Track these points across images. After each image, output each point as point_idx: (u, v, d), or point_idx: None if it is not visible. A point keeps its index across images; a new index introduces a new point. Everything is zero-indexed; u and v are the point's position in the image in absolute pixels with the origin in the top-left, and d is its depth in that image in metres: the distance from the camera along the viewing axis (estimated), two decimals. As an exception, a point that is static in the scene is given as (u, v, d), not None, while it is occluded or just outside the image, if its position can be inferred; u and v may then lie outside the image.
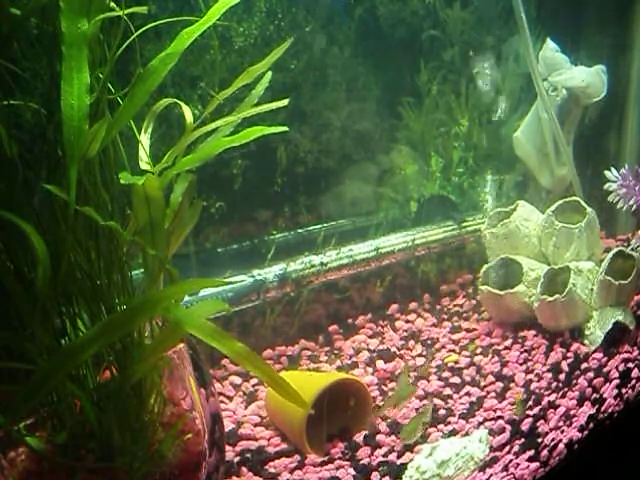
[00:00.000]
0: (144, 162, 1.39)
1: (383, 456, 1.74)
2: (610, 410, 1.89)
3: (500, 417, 1.84)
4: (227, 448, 1.66)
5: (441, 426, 1.86)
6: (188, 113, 1.43)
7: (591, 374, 1.99)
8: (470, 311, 2.56)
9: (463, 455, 1.64)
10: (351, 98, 2.57)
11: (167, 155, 1.37)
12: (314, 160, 2.47)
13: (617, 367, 2.01)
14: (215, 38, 1.98)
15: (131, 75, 1.28)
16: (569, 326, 2.24)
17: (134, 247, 1.34)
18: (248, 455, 1.77)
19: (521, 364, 2.15)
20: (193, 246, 2.18)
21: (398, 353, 2.29)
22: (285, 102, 1.44)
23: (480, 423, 1.84)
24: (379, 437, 1.81)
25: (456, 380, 2.10)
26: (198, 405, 1.44)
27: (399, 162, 2.74)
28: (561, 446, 1.73)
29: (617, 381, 1.95)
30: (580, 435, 1.78)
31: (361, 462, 1.72)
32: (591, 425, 1.82)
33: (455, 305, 2.64)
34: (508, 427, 1.78)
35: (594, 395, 1.92)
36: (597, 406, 1.88)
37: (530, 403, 1.90)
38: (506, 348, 2.26)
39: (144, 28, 1.32)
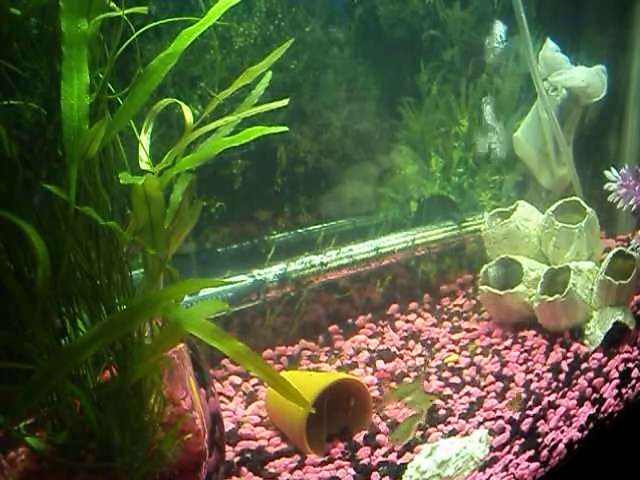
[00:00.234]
0: (144, 162, 1.40)
1: (383, 456, 1.74)
2: (610, 410, 1.89)
3: (500, 417, 1.84)
4: (227, 448, 1.66)
5: (441, 426, 1.86)
6: (188, 113, 1.43)
7: (591, 374, 1.99)
8: (470, 311, 2.56)
9: (463, 455, 1.64)
10: (351, 98, 2.57)
11: (167, 155, 1.38)
12: (314, 160, 2.47)
13: (617, 367, 2.01)
14: (215, 38, 1.98)
15: (131, 75, 1.28)
16: (569, 326, 2.24)
17: (134, 247, 1.34)
18: (248, 455, 1.77)
19: (521, 364, 2.15)
20: (193, 246, 2.18)
21: (398, 353, 2.29)
22: (285, 102, 1.44)
23: (480, 423, 1.84)
24: (379, 437, 1.81)
25: (456, 380, 2.10)
26: (198, 405, 1.44)
27: (399, 162, 2.74)
28: (561, 446, 1.73)
29: (617, 381, 1.95)
30: (580, 435, 1.78)
31: (361, 462, 1.72)
32: (591, 425, 1.82)
33: (455, 305, 2.64)
34: (508, 427, 1.78)
35: (594, 395, 1.92)
36: (597, 406, 1.88)
37: (530, 403, 1.90)
38: (506, 348, 2.26)
39: (144, 28, 1.32)
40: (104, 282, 1.29)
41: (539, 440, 1.73)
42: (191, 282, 1.32)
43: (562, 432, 1.78)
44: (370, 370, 2.19)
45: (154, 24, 1.37)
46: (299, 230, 2.49)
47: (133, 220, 1.30)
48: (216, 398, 1.55)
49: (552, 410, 1.85)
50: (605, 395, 1.92)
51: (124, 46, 1.27)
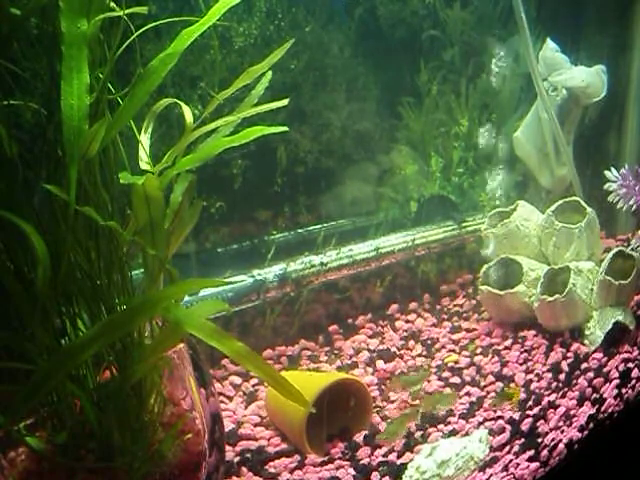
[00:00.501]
0: (144, 162, 1.40)
1: (383, 456, 1.74)
2: (610, 410, 1.89)
3: (500, 417, 1.84)
4: (227, 448, 1.66)
5: (441, 426, 1.86)
6: (188, 113, 1.43)
7: (591, 374, 1.99)
8: (470, 311, 2.56)
9: (463, 455, 1.64)
10: (351, 98, 2.57)
11: (167, 155, 1.38)
12: (314, 160, 2.47)
13: (617, 367, 2.01)
14: (215, 38, 1.98)
15: (131, 75, 1.28)
16: (569, 326, 2.24)
17: (134, 247, 1.34)
18: (248, 455, 1.77)
19: (521, 364, 2.15)
20: (193, 246, 2.18)
21: (398, 353, 2.29)
22: (285, 102, 1.44)
23: (480, 423, 1.84)
24: (379, 437, 1.81)
25: (456, 380, 2.10)
26: (198, 405, 1.44)
27: (399, 162, 2.74)
28: (561, 446, 1.73)
29: (617, 381, 1.95)
30: (580, 435, 1.78)
31: (361, 462, 1.72)
32: (591, 425, 1.82)
33: (455, 305, 2.64)
34: (508, 427, 1.78)
35: (594, 395, 1.92)
36: (597, 406, 1.88)
37: (530, 403, 1.90)
38: (506, 348, 2.26)
39: (144, 28, 1.32)
40: (104, 282, 1.29)
41: (539, 440, 1.73)
42: (191, 282, 1.32)
43: (562, 432, 1.78)
44: (370, 370, 2.19)
45: (154, 24, 1.37)
46: (299, 230, 2.49)
47: (133, 220, 1.30)
48: (216, 398, 1.55)
49: (552, 410, 1.85)
50: (605, 395, 1.92)
51: (124, 46, 1.27)
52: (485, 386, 2.06)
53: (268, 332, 2.31)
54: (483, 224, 2.55)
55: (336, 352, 2.32)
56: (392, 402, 2.01)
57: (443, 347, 2.32)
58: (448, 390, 2.05)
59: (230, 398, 2.06)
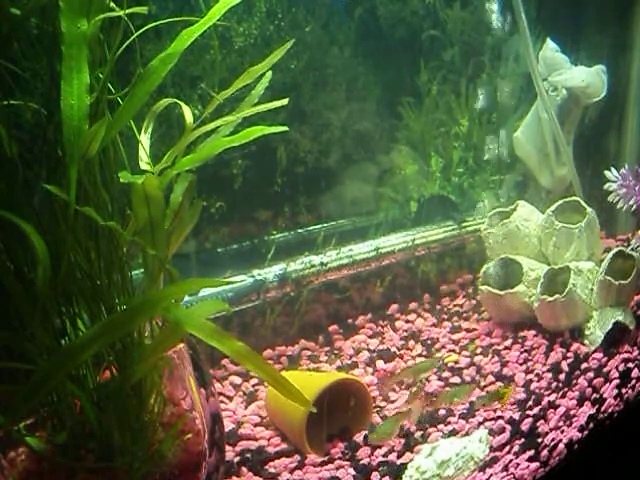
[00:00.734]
0: (144, 162, 1.40)
1: (383, 456, 1.74)
2: (610, 410, 1.89)
3: (500, 417, 1.84)
4: (227, 448, 1.66)
5: (441, 426, 1.86)
6: (188, 113, 1.43)
7: (591, 374, 1.99)
8: (470, 311, 2.56)
9: (463, 455, 1.64)
10: (351, 98, 2.57)
11: (167, 155, 1.38)
12: (314, 160, 2.47)
13: (617, 367, 2.01)
14: (215, 38, 1.98)
15: (131, 75, 1.28)
16: (569, 326, 2.24)
17: (134, 247, 1.34)
18: (248, 455, 1.76)
19: (521, 364, 2.15)
20: (193, 246, 2.18)
21: (398, 353, 2.29)
22: (285, 101, 1.44)
23: (480, 423, 1.84)
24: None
25: (456, 380, 2.10)
26: (198, 405, 1.44)
27: (399, 162, 2.74)
28: (561, 446, 1.73)
29: (617, 381, 1.95)
30: (580, 435, 1.78)
31: (361, 462, 1.72)
32: (591, 425, 1.82)
33: (455, 305, 2.64)
34: (508, 427, 1.78)
35: (594, 395, 1.92)
36: (597, 406, 1.88)
37: (530, 403, 1.90)
38: (506, 348, 2.26)
39: (144, 28, 1.32)
40: (104, 282, 1.29)
41: (539, 440, 1.73)
42: (191, 282, 1.32)
43: (562, 432, 1.78)
44: (370, 370, 2.19)
45: (154, 24, 1.37)
46: (299, 230, 2.49)
47: (133, 220, 1.30)
48: (216, 398, 1.55)
49: (552, 410, 1.85)
50: (605, 395, 1.92)
51: (124, 46, 1.27)
52: (485, 386, 2.06)
53: (268, 332, 2.31)
54: (483, 224, 2.55)
55: (336, 352, 2.32)
56: (392, 402, 2.01)
57: (443, 347, 2.32)
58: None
59: (230, 398, 2.06)
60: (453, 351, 2.29)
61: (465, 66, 2.79)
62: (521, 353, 2.21)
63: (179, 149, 1.38)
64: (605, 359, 2.06)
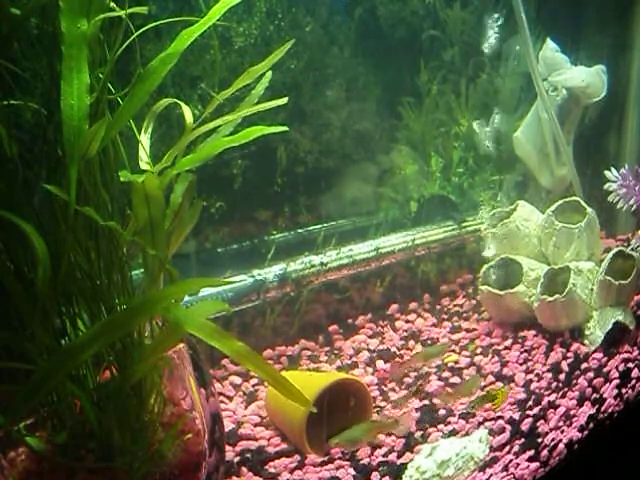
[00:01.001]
0: (144, 162, 1.40)
1: (383, 456, 1.74)
2: (610, 410, 1.89)
3: (500, 417, 1.84)
4: (227, 448, 1.66)
5: (441, 426, 1.86)
6: (188, 113, 1.43)
7: (591, 374, 1.99)
8: (470, 311, 2.56)
9: (463, 455, 1.64)
10: (351, 98, 2.57)
11: (167, 155, 1.38)
12: (314, 160, 2.47)
13: (617, 367, 2.01)
14: (215, 38, 1.98)
15: (131, 75, 1.28)
16: (569, 326, 2.24)
17: (134, 247, 1.34)
18: (248, 455, 1.77)
19: (521, 364, 2.15)
20: (193, 246, 2.18)
21: (398, 353, 2.29)
22: (284, 100, 1.44)
23: (480, 423, 1.84)
24: (379, 437, 1.81)
25: (456, 380, 2.10)
26: (198, 405, 1.44)
27: (399, 162, 2.74)
28: (561, 446, 1.73)
29: (617, 381, 1.95)
30: (580, 435, 1.78)
31: (361, 462, 1.72)
32: (591, 425, 1.82)
33: (455, 305, 2.64)
34: (508, 427, 1.78)
35: (594, 395, 1.92)
36: (597, 406, 1.88)
37: (530, 403, 1.90)
38: (506, 348, 2.26)
39: (144, 28, 1.32)
40: (104, 282, 1.29)
41: (539, 440, 1.73)
42: (191, 282, 1.32)
43: (562, 432, 1.78)
44: (370, 370, 2.19)
45: (154, 24, 1.37)
46: (299, 230, 2.49)
47: (133, 220, 1.30)
48: (216, 398, 1.55)
49: (552, 410, 1.85)
50: (605, 395, 1.92)
51: (124, 46, 1.27)
52: (485, 386, 2.06)
53: (268, 332, 2.31)
54: (483, 224, 2.55)
55: (336, 352, 2.32)
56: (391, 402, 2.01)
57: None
58: (448, 390, 2.05)
59: (230, 398, 2.06)
60: (453, 351, 2.29)
61: (465, 66, 2.78)
62: (521, 353, 2.21)
63: (179, 149, 1.38)
64: (605, 359, 2.06)
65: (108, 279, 1.30)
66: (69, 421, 1.24)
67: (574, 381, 1.98)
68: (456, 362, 2.21)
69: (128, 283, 1.33)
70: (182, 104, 1.44)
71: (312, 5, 2.43)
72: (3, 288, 1.18)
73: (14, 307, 1.19)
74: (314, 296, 2.39)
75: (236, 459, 1.75)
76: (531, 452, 1.68)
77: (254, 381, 2.12)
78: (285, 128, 1.38)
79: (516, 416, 1.82)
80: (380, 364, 2.20)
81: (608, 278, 2.20)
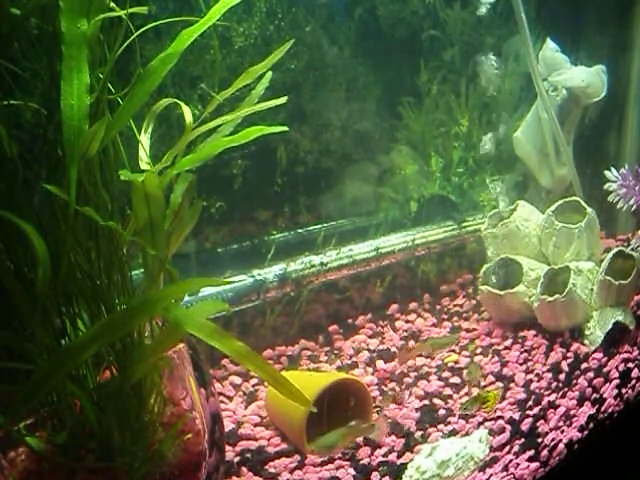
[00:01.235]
0: (144, 162, 1.40)
1: (383, 456, 1.74)
2: (610, 410, 1.89)
3: (500, 417, 1.84)
4: (227, 448, 1.66)
5: (441, 426, 1.86)
6: (188, 113, 1.43)
7: (591, 374, 1.99)
8: (470, 311, 2.56)
9: (463, 455, 1.64)
10: (351, 98, 2.57)
11: (167, 155, 1.38)
12: (314, 160, 2.47)
13: (617, 367, 2.01)
14: (215, 38, 1.98)
15: (131, 75, 1.28)
16: (569, 326, 2.24)
17: (134, 247, 1.34)
18: (248, 455, 1.76)
19: (521, 364, 2.15)
20: (193, 246, 2.18)
21: (398, 353, 2.29)
22: (283, 100, 1.44)
23: (480, 423, 1.84)
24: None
25: (456, 380, 2.10)
26: (198, 405, 1.44)
27: (399, 162, 2.74)
28: (561, 446, 1.73)
29: (617, 381, 1.95)
30: (580, 435, 1.78)
31: (361, 462, 1.72)
32: (591, 425, 1.82)
33: (455, 305, 2.64)
34: (508, 427, 1.78)
35: (594, 395, 1.92)
36: (597, 406, 1.88)
37: (530, 403, 1.90)
38: (506, 348, 2.26)
39: (144, 28, 1.32)
40: (104, 282, 1.29)
41: (539, 440, 1.73)
42: (191, 282, 1.33)
43: (562, 432, 1.78)
44: (370, 370, 2.19)
45: (154, 24, 1.37)
46: (299, 230, 2.48)
47: (133, 220, 1.30)
48: (216, 398, 1.55)
49: (552, 410, 1.85)
50: (605, 395, 1.92)
51: (124, 46, 1.27)
52: (485, 386, 2.06)
53: (268, 332, 2.31)
54: (483, 224, 2.55)
55: (336, 352, 2.32)
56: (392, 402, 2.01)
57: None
58: (448, 390, 2.05)
59: (230, 398, 2.06)
60: (453, 351, 2.29)
61: (465, 66, 2.78)
62: (521, 353, 2.21)
63: (179, 149, 1.38)
64: (605, 359, 2.06)
65: (108, 279, 1.30)
66: (69, 421, 1.24)
67: (574, 381, 1.98)
68: (456, 362, 2.21)
69: (128, 283, 1.33)
70: (182, 104, 1.44)
71: (312, 5, 2.43)
72: (3, 288, 1.18)
73: (14, 307, 1.19)
74: (314, 296, 2.39)
75: (236, 459, 1.75)
76: (531, 452, 1.68)
77: (254, 381, 2.12)
78: (285, 128, 1.38)
79: (516, 416, 1.82)
80: (380, 364, 2.20)
81: (608, 278, 2.20)
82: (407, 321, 2.52)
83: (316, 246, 2.38)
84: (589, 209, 2.38)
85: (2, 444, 1.24)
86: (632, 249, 2.30)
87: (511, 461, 1.67)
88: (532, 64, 2.59)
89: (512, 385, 2.04)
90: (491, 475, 1.63)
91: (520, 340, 2.28)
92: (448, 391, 2.05)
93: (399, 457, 1.73)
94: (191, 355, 1.46)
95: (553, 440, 1.74)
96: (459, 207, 2.77)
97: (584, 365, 2.06)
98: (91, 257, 1.27)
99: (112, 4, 1.26)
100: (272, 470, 1.71)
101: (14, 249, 1.20)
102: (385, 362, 2.22)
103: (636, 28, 2.79)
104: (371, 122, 2.65)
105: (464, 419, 1.87)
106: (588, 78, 2.67)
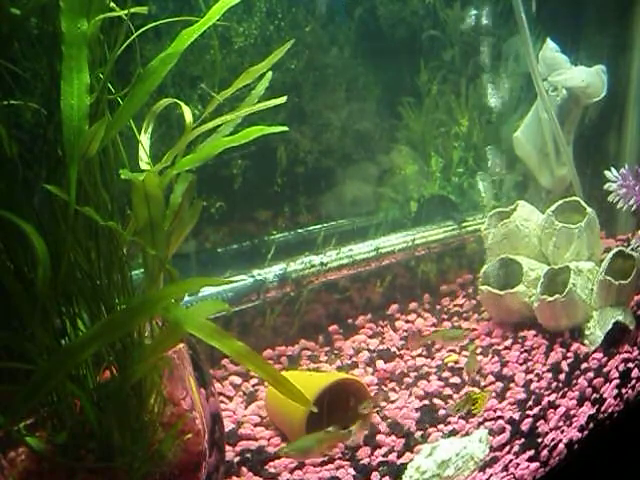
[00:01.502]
0: (144, 162, 1.40)
1: (383, 456, 1.74)
2: (610, 410, 1.89)
3: (500, 417, 1.84)
4: (227, 448, 1.66)
5: (441, 426, 1.86)
6: (188, 113, 1.43)
7: (591, 374, 1.99)
8: (470, 311, 2.56)
9: (463, 455, 1.64)
10: (351, 98, 2.57)
11: (167, 155, 1.38)
12: (314, 160, 2.47)
13: (617, 367, 2.01)
14: (215, 38, 1.98)
15: (131, 75, 1.28)
16: (569, 326, 2.24)
17: (134, 247, 1.34)
18: (248, 455, 1.76)
19: (521, 364, 2.15)
20: (193, 246, 2.18)
21: (398, 353, 2.29)
22: (283, 100, 1.44)
23: (480, 423, 1.84)
24: (379, 437, 1.81)
25: (456, 380, 2.10)
26: (198, 405, 1.44)
27: (399, 162, 2.74)
28: (561, 446, 1.73)
29: (617, 381, 1.95)
30: (580, 435, 1.78)
31: (361, 462, 1.72)
32: (591, 425, 1.82)
33: (455, 305, 2.64)
34: (508, 427, 1.78)
35: (594, 395, 1.92)
36: (597, 406, 1.88)
37: (530, 403, 1.90)
38: (506, 348, 2.26)
39: (144, 28, 1.32)
40: (104, 282, 1.29)
41: (539, 440, 1.73)
42: (191, 282, 1.33)
43: (562, 432, 1.78)
44: (370, 370, 2.19)
45: (154, 24, 1.37)
46: (299, 230, 2.48)
47: (133, 220, 1.30)
48: (216, 398, 1.55)
49: (552, 410, 1.85)
50: (605, 395, 1.92)
51: (124, 46, 1.27)
52: (485, 386, 2.06)
53: (268, 332, 2.31)
54: (483, 224, 2.55)
55: (336, 352, 2.32)
56: (392, 402, 2.01)
57: (443, 347, 2.32)
58: (448, 390, 2.05)
59: (230, 398, 2.06)
60: (453, 351, 2.29)
61: (465, 66, 2.78)
62: (521, 353, 2.21)
63: (179, 149, 1.38)
64: (605, 359, 2.06)
65: (108, 279, 1.30)
66: (69, 421, 1.24)
67: (574, 381, 1.98)
68: (456, 362, 2.21)
69: (128, 283, 1.33)
70: (182, 104, 1.44)
71: (312, 5, 2.43)
72: (3, 288, 1.18)
73: (14, 307, 1.19)
74: (314, 296, 2.39)
75: (236, 459, 1.75)
76: (531, 452, 1.68)
77: (254, 381, 2.12)
78: (285, 128, 1.38)
79: (516, 416, 1.82)
80: (380, 364, 2.20)
81: (608, 278, 2.20)
82: (407, 321, 2.52)
83: (316, 246, 2.39)
84: (589, 209, 2.38)
85: (2, 444, 1.24)
86: (632, 249, 2.30)
87: (511, 461, 1.67)
88: (532, 64, 2.59)
89: (512, 385, 2.04)
90: (491, 475, 1.63)
91: (520, 340, 2.28)
92: (448, 391, 2.05)
93: (399, 457, 1.73)
94: (191, 355, 1.46)
95: (553, 440, 1.74)
96: (459, 207, 2.77)
97: (584, 365, 2.06)
98: (91, 257, 1.27)
99: (112, 4, 1.26)
100: (272, 470, 1.71)
101: (14, 249, 1.20)
102: (385, 362, 2.22)
103: (636, 28, 2.79)
104: (371, 122, 2.65)
105: (464, 419, 1.87)
106: (588, 78, 2.67)
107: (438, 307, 2.63)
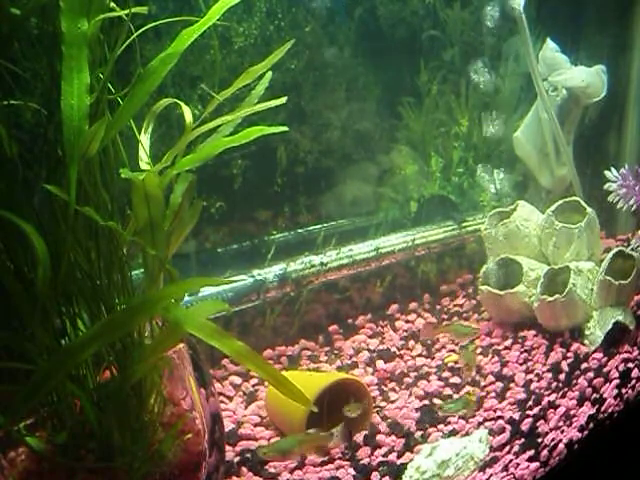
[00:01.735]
0: (144, 162, 1.40)
1: (383, 456, 1.74)
2: (610, 410, 1.89)
3: (500, 417, 1.84)
4: (227, 448, 1.66)
5: (441, 426, 1.86)
6: (188, 113, 1.43)
7: (591, 374, 1.99)
8: (470, 311, 2.56)
9: (463, 455, 1.64)
10: (351, 98, 2.57)
11: (167, 155, 1.38)
12: (314, 160, 2.47)
13: (617, 367, 2.01)
14: (215, 38, 1.98)
15: (131, 75, 1.28)
16: (569, 326, 2.24)
17: (134, 247, 1.34)
18: (248, 455, 1.76)
19: (521, 364, 2.15)
20: (193, 246, 2.18)
21: (398, 353, 2.29)
22: (283, 100, 1.44)
23: (480, 423, 1.84)
24: (379, 437, 1.81)
25: (456, 380, 2.10)
26: (198, 405, 1.44)
27: (399, 162, 2.74)
28: (561, 446, 1.73)
29: (617, 381, 1.95)
30: (580, 435, 1.78)
31: (361, 462, 1.72)
32: (591, 425, 1.82)
33: (455, 305, 2.64)
34: (508, 427, 1.78)
35: (594, 395, 1.92)
36: (597, 406, 1.88)
37: (530, 403, 1.90)
38: (506, 348, 2.26)
39: (144, 28, 1.32)
40: (104, 282, 1.29)
41: (539, 440, 1.73)
42: (191, 282, 1.33)
43: (562, 432, 1.78)
44: (370, 370, 2.19)
45: (154, 24, 1.37)
46: (299, 230, 2.49)
47: (133, 220, 1.30)
48: (216, 398, 1.55)
49: (552, 410, 1.85)
50: (605, 395, 1.92)
51: (124, 46, 1.27)
52: (485, 386, 2.06)
53: (268, 332, 2.31)
54: (483, 224, 2.55)
55: (336, 352, 2.32)
56: (392, 402, 2.01)
57: (443, 347, 2.32)
58: (448, 390, 2.05)
59: (230, 398, 2.06)
60: (453, 351, 2.29)
61: (465, 66, 2.78)
62: (521, 353, 2.21)
63: (179, 149, 1.38)
64: (605, 359, 2.06)
65: (108, 279, 1.30)
66: (69, 421, 1.24)
67: (574, 381, 1.98)
68: (456, 362, 2.21)
69: (128, 283, 1.33)
70: (182, 104, 1.44)
71: (312, 5, 2.43)
72: (3, 288, 1.18)
73: (14, 307, 1.19)
74: (314, 296, 2.40)
75: (236, 459, 1.74)
76: (531, 452, 1.68)
77: (254, 381, 2.12)
78: (285, 128, 1.38)
79: (516, 416, 1.82)
80: (380, 364, 2.20)
81: (608, 278, 2.20)
82: (407, 321, 2.52)
83: (316, 246, 2.39)
84: (589, 209, 2.38)
85: (2, 444, 1.24)
86: (632, 249, 2.30)
87: (511, 461, 1.67)
88: (532, 64, 2.59)
89: (512, 385, 2.04)
90: (491, 475, 1.63)
91: (520, 340, 2.28)
92: (448, 391, 2.05)
93: (399, 457, 1.73)
94: (191, 355, 1.46)
95: (553, 440, 1.74)
96: (459, 207, 2.77)
97: (584, 365, 2.06)
98: (91, 257, 1.27)
99: (112, 4, 1.26)
100: (272, 470, 1.71)
101: (14, 249, 1.20)
102: (385, 362, 2.22)
103: (636, 28, 2.79)
104: (371, 122, 2.65)
105: (464, 419, 1.87)
106: (588, 78, 2.67)
107: (438, 307, 2.63)
